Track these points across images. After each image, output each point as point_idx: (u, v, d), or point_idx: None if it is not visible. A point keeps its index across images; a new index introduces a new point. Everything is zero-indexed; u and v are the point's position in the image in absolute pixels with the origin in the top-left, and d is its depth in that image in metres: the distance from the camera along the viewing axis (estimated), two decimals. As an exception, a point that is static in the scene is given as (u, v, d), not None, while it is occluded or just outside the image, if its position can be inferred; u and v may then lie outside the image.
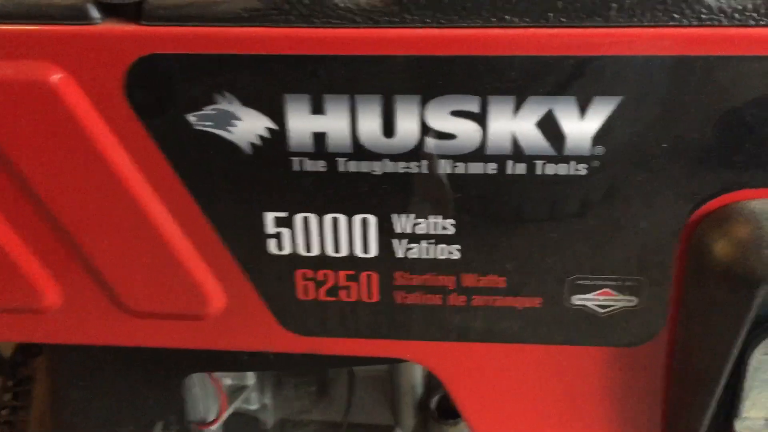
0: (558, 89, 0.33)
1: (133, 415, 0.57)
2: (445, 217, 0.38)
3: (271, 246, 0.39)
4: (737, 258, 0.34)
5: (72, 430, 0.57)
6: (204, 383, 0.56)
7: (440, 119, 0.34)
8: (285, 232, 0.39)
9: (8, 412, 0.67)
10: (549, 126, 0.34)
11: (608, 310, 0.39)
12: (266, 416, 0.62)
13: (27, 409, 0.66)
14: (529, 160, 0.35)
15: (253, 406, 0.62)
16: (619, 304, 0.39)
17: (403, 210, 0.37)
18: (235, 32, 0.33)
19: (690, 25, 0.32)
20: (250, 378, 0.61)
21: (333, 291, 0.40)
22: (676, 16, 0.32)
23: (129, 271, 0.40)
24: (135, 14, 0.34)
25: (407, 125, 0.35)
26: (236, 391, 0.60)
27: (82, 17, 0.34)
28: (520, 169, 0.35)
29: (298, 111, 0.35)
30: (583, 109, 0.34)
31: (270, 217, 0.38)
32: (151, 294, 0.41)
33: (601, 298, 0.39)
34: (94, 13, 0.34)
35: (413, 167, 0.36)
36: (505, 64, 0.33)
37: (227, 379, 0.59)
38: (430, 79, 0.34)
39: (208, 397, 0.56)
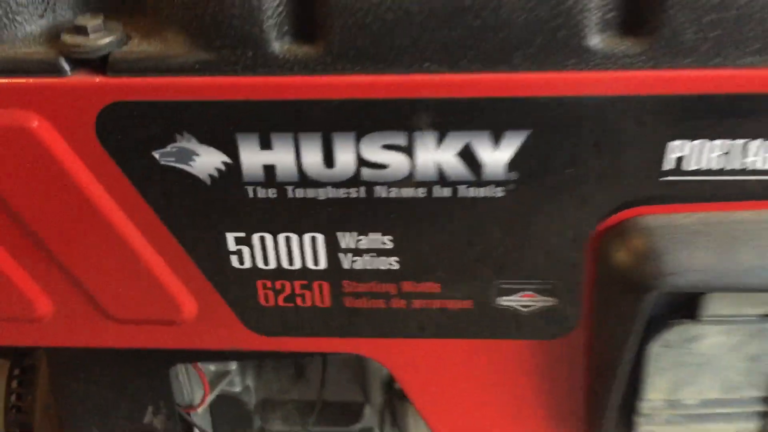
0: (474, 125, 0.36)
1: (126, 402, 0.60)
2: (383, 234, 0.40)
3: (234, 261, 0.42)
4: (632, 266, 0.37)
5: (72, 416, 0.61)
6: (188, 371, 0.59)
7: (373, 152, 0.37)
8: (245, 249, 0.41)
9: (15, 398, 0.71)
10: (468, 156, 0.37)
11: (530, 308, 0.42)
12: (249, 397, 0.66)
13: (33, 396, 0.69)
14: (453, 184, 0.38)
15: (237, 389, 0.65)
16: (539, 304, 0.42)
17: (346, 228, 0.40)
18: (190, 81, 0.36)
19: (581, 69, 0.34)
20: (233, 364, 0.65)
21: (290, 298, 0.43)
22: (570, 62, 0.34)
23: (110, 285, 0.43)
24: (101, 67, 0.37)
25: (345, 158, 0.37)
26: (220, 375, 0.63)
27: (54, 70, 0.36)
28: (446, 192, 0.38)
29: (249, 147, 0.38)
30: (497, 141, 0.36)
31: (230, 237, 0.41)
32: (130, 304, 0.44)
33: (524, 299, 0.42)
34: (65, 66, 0.36)
35: (353, 192, 0.39)
36: (427, 105, 0.36)
37: (211, 366, 0.63)
38: (363, 118, 0.36)
39: (192, 383, 0.60)
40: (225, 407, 0.63)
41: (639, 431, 0.43)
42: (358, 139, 0.37)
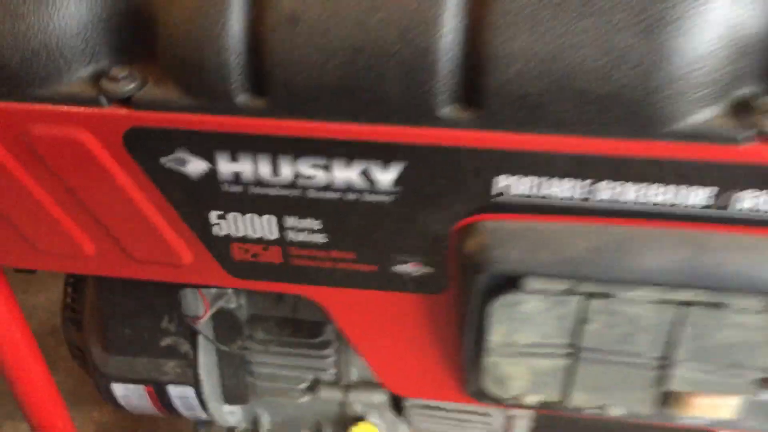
0: (370, 156, 0.54)
1: (149, 311, 0.81)
2: (314, 219, 0.59)
3: (215, 230, 0.61)
4: (473, 254, 0.55)
5: (111, 318, 0.82)
6: (194, 292, 0.79)
7: (305, 168, 0.55)
8: (223, 222, 0.60)
9: (71, 300, 0.92)
10: (367, 174, 0.55)
11: (417, 273, 0.61)
12: (241, 313, 0.85)
13: (83, 299, 0.90)
14: (358, 192, 0.56)
15: (232, 305, 0.85)
16: (423, 271, 0.60)
17: (289, 214, 0.59)
18: (183, 117, 0.54)
19: (436, 127, 0.51)
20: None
21: (255, 256, 0.62)
22: (429, 123, 0.51)
23: (133, 238, 0.62)
24: (127, 102, 0.55)
25: (286, 170, 0.55)
26: (219, 296, 0.83)
27: (97, 104, 0.54)
28: (353, 196, 0.56)
29: (223, 160, 0.55)
30: (385, 166, 0.54)
31: (213, 214, 0.59)
32: (146, 252, 0.63)
33: (411, 267, 0.60)
34: (104, 101, 0.54)
35: (292, 192, 0.57)
36: (340, 143, 0.53)
37: (212, 288, 0.83)
38: (298, 148, 0.54)
39: (197, 300, 0.80)
40: (223, 319, 0.84)
41: (487, 361, 0.62)
42: (295, 160, 0.55)
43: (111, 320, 0.83)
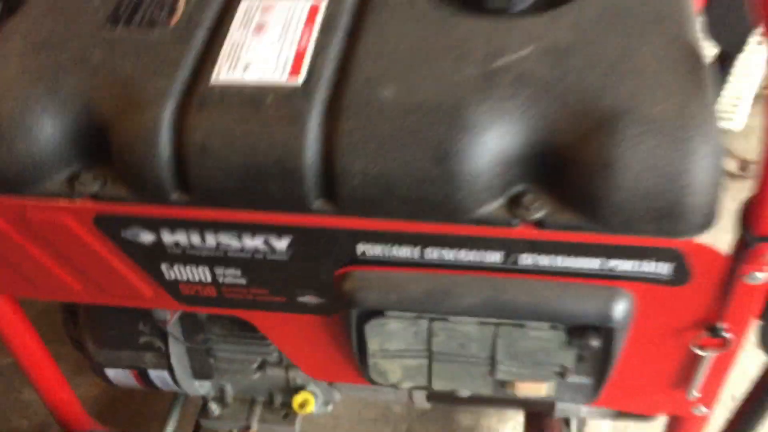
0: (268, 231, 0.75)
1: (126, 319, 1.04)
2: (235, 269, 0.80)
3: (166, 275, 0.82)
4: (346, 294, 0.77)
5: (96, 325, 1.05)
6: (162, 303, 1.02)
7: (224, 238, 0.76)
8: (171, 271, 0.81)
9: (68, 305, 1.15)
10: (267, 243, 0.76)
11: (315, 302, 0.83)
12: (201, 315, 1.08)
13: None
14: (263, 253, 0.77)
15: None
16: (319, 300, 0.82)
17: (218, 265, 0.80)
18: (130, 207, 0.75)
19: (305, 214, 0.72)
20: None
21: (197, 291, 0.83)
22: (296, 210, 0.72)
23: (108, 283, 0.84)
24: (94, 197, 0.75)
25: (211, 240, 0.77)
26: (183, 302, 1.05)
27: (74, 198, 0.75)
28: (260, 256, 0.77)
29: (165, 233, 0.77)
30: (279, 237, 0.75)
31: (164, 266, 0.81)
32: (119, 291, 0.85)
33: (310, 299, 0.82)
34: (77, 197, 0.75)
35: (218, 253, 0.78)
36: (246, 224, 0.74)
37: (177, 297, 1.05)
38: (217, 226, 0.75)
39: (164, 310, 1.02)
40: (187, 320, 1.06)
41: (369, 361, 0.84)
42: (215, 233, 0.76)
43: (99, 324, 1.06)
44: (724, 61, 1.21)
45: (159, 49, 0.75)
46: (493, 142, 0.67)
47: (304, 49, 0.73)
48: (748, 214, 0.66)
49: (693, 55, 0.70)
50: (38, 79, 0.75)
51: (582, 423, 1.17)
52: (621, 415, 1.07)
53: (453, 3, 0.78)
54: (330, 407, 1.20)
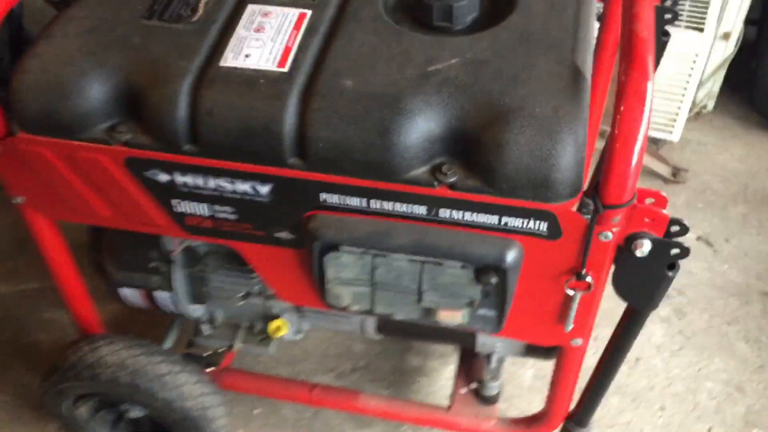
0: (254, 179, 0.99)
1: (141, 246, 1.28)
2: (228, 207, 1.04)
3: (175, 208, 1.06)
4: (312, 231, 1.01)
5: (116, 250, 1.29)
6: (169, 236, 1.26)
7: (221, 182, 1.00)
8: (179, 205, 1.05)
9: (93, 234, 1.39)
10: (254, 188, 1.00)
11: (288, 237, 1.07)
12: (200, 249, 1.32)
13: (100, 235, 1.37)
14: (250, 195, 1.01)
15: (194, 244, 1.31)
16: (291, 236, 1.06)
17: (214, 203, 1.04)
18: (154, 153, 0.99)
19: (280, 167, 0.96)
20: (193, 232, 1.31)
21: (198, 223, 1.08)
22: (285, 163, 0.96)
23: (130, 210, 1.08)
24: (126, 144, 0.99)
25: (211, 183, 1.01)
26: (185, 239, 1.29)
27: (111, 144, 0.99)
28: (248, 197, 1.01)
29: (177, 175, 1.01)
30: (263, 184, 0.99)
31: (174, 201, 1.05)
32: (138, 218, 1.09)
33: (284, 234, 1.06)
34: (114, 143, 0.99)
35: (214, 193, 1.02)
36: (238, 172, 0.98)
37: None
38: (217, 173, 0.99)
39: (171, 241, 1.26)
40: (188, 252, 1.30)
41: (326, 287, 1.08)
42: (215, 178, 1.00)
43: (118, 249, 1.30)
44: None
45: (182, 38, 0.99)
46: (422, 124, 0.91)
47: (291, 47, 0.97)
48: (599, 188, 0.90)
49: (575, 73, 0.94)
50: (91, 54, 0.99)
51: (500, 361, 1.41)
52: (527, 352, 1.32)
53: (408, 21, 1.02)
54: (299, 336, 1.44)
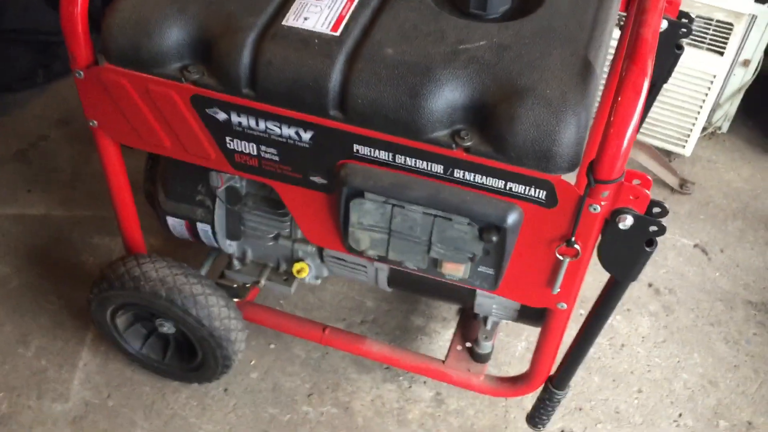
0: (298, 125, 1.12)
1: (191, 180, 1.43)
2: (273, 149, 1.18)
3: (228, 145, 1.20)
4: (343, 177, 1.15)
5: (169, 181, 1.43)
6: (217, 173, 1.40)
7: (270, 125, 1.14)
8: (231, 142, 1.19)
9: (149, 166, 1.54)
10: (297, 133, 1.14)
11: (321, 182, 1.20)
12: (241, 189, 1.45)
13: (156, 167, 1.52)
14: (293, 140, 1.15)
15: (237, 184, 1.45)
16: (324, 181, 1.20)
17: (264, 144, 1.18)
18: (217, 94, 1.13)
19: (322, 118, 1.10)
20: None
21: (245, 160, 1.22)
22: (330, 116, 1.10)
23: (189, 143, 1.22)
24: (194, 83, 1.13)
25: (261, 125, 1.15)
26: (230, 177, 1.43)
27: (181, 81, 1.14)
28: (291, 141, 1.15)
29: (234, 115, 1.14)
30: (305, 131, 1.13)
31: (227, 138, 1.19)
32: (195, 150, 1.23)
33: (318, 179, 1.20)
34: (183, 81, 1.13)
35: (263, 135, 1.16)
36: (285, 117, 1.12)
37: (227, 174, 1.43)
38: (268, 116, 1.13)
39: (217, 178, 1.40)
40: (231, 191, 1.44)
41: (349, 231, 1.22)
42: (265, 121, 1.14)
43: (170, 180, 1.45)
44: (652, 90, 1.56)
45: (253, -2, 1.14)
46: (447, 93, 1.04)
47: (344, 15, 1.11)
48: (593, 165, 1.02)
49: (586, 65, 1.06)
50: (174, 2, 1.13)
51: (494, 324, 1.54)
52: (519, 317, 1.44)
53: (447, 6, 1.15)
54: (318, 281, 1.58)
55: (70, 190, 2.06)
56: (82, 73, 1.19)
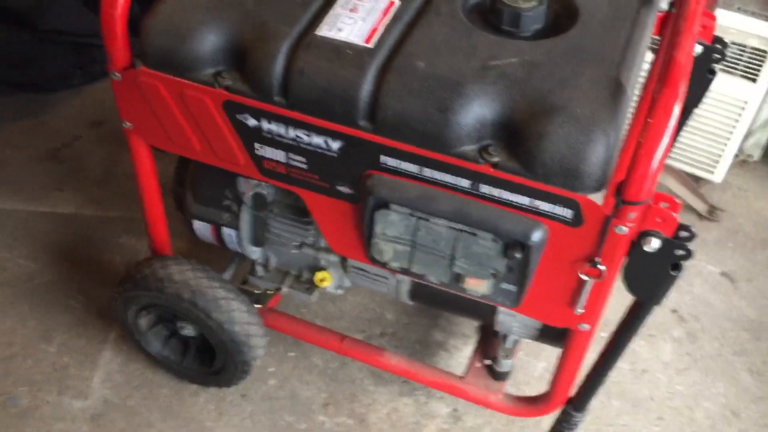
0: (328, 135, 1.13)
1: (219, 184, 1.44)
2: (301, 157, 1.19)
3: (257, 152, 1.21)
4: (369, 188, 1.15)
5: (197, 185, 1.45)
6: (244, 179, 1.41)
7: (300, 133, 1.15)
8: (260, 149, 1.20)
9: (179, 170, 1.56)
10: (327, 142, 1.14)
11: (348, 192, 1.21)
12: (268, 196, 1.46)
13: (185, 171, 1.54)
14: (322, 149, 1.15)
15: (264, 191, 1.46)
16: (350, 191, 1.20)
17: (292, 152, 1.19)
18: (249, 100, 1.14)
19: (351, 128, 1.11)
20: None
21: (273, 167, 1.23)
22: (359, 124, 1.10)
23: (219, 147, 1.24)
24: (227, 89, 1.15)
25: (291, 133, 1.16)
26: (257, 184, 1.45)
27: (214, 86, 1.15)
28: (320, 150, 1.16)
29: (264, 122, 1.16)
30: (334, 140, 1.14)
31: (256, 144, 1.20)
32: (224, 155, 1.25)
33: (345, 189, 1.20)
34: (216, 86, 1.15)
35: (292, 143, 1.17)
36: (315, 126, 1.13)
37: (254, 180, 1.44)
38: (297, 125, 1.14)
39: (245, 184, 1.42)
40: (257, 197, 1.45)
41: (372, 241, 1.22)
42: (295, 129, 1.15)
43: (199, 184, 1.47)
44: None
45: (288, 8, 1.15)
46: (476, 108, 1.05)
47: (377, 28, 1.12)
48: (621, 186, 1.02)
49: (617, 86, 1.06)
50: (211, 9, 1.15)
51: (515, 342, 1.53)
52: (539, 336, 1.43)
53: (480, 22, 1.15)
54: (340, 291, 1.59)
55: (100, 190, 2.09)
56: (119, 75, 1.21)
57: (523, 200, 1.08)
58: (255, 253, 1.56)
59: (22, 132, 2.25)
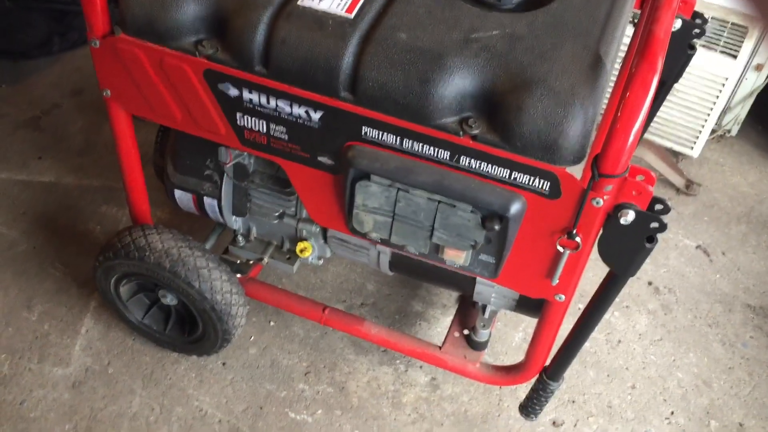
0: (308, 105, 1.13)
1: (200, 154, 1.44)
2: (282, 127, 1.19)
3: (238, 122, 1.21)
4: (349, 158, 1.15)
5: (178, 154, 1.45)
6: (226, 148, 1.41)
7: (281, 103, 1.15)
8: (242, 119, 1.20)
9: (160, 139, 1.55)
10: (307, 113, 1.14)
11: (328, 162, 1.21)
12: (249, 166, 1.47)
13: (166, 141, 1.53)
14: (303, 119, 1.16)
15: (245, 161, 1.47)
16: (331, 162, 1.21)
17: (271, 122, 1.19)
18: (229, 69, 1.14)
19: (332, 98, 1.11)
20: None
21: (254, 137, 1.23)
22: (341, 97, 1.11)
23: (200, 117, 1.23)
24: (208, 58, 1.14)
25: (272, 103, 1.16)
26: (239, 154, 1.45)
27: (195, 55, 1.15)
28: (301, 120, 1.16)
29: (245, 91, 1.15)
30: (315, 111, 1.14)
31: (238, 114, 1.20)
32: (205, 124, 1.24)
33: (326, 159, 1.21)
34: (197, 55, 1.14)
35: (273, 113, 1.17)
36: (296, 96, 1.13)
37: (235, 150, 1.44)
38: (278, 95, 1.14)
39: (226, 153, 1.41)
40: (239, 167, 1.45)
41: (353, 212, 1.23)
42: (276, 99, 1.14)
43: (180, 154, 1.46)
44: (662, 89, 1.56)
45: (270, -24, 1.14)
46: (457, 81, 1.05)
47: (359, -3, 1.12)
48: (597, 159, 1.03)
49: (596, 59, 1.06)
50: (192, -24, 1.14)
51: (492, 312, 1.56)
52: (517, 307, 1.46)
53: (463, -7, 1.16)
54: (320, 261, 1.60)
55: (81, 158, 2.07)
56: (98, 42, 1.20)
57: (502, 172, 1.09)
58: (236, 223, 1.57)
59: (0, 99, 2.22)
